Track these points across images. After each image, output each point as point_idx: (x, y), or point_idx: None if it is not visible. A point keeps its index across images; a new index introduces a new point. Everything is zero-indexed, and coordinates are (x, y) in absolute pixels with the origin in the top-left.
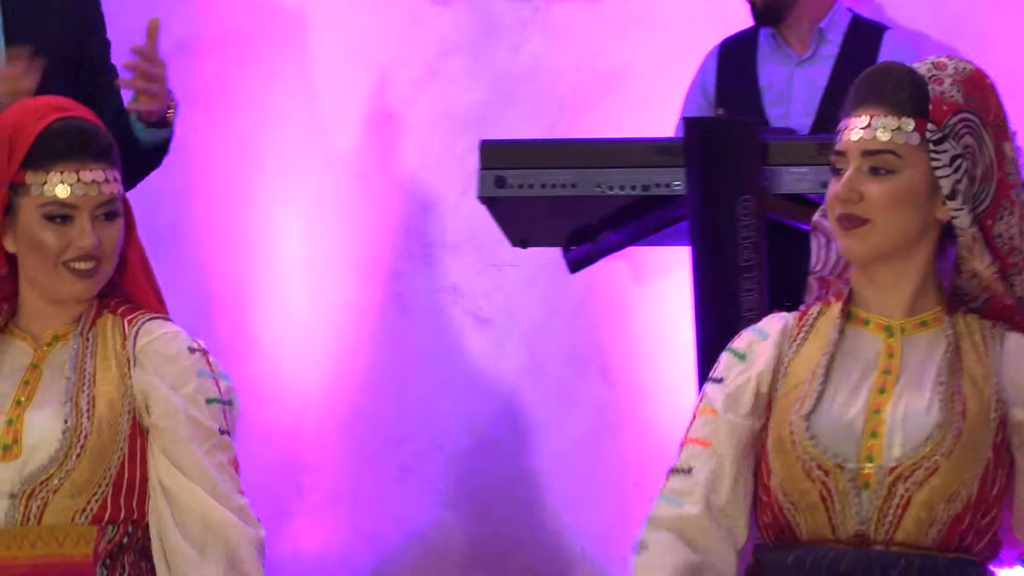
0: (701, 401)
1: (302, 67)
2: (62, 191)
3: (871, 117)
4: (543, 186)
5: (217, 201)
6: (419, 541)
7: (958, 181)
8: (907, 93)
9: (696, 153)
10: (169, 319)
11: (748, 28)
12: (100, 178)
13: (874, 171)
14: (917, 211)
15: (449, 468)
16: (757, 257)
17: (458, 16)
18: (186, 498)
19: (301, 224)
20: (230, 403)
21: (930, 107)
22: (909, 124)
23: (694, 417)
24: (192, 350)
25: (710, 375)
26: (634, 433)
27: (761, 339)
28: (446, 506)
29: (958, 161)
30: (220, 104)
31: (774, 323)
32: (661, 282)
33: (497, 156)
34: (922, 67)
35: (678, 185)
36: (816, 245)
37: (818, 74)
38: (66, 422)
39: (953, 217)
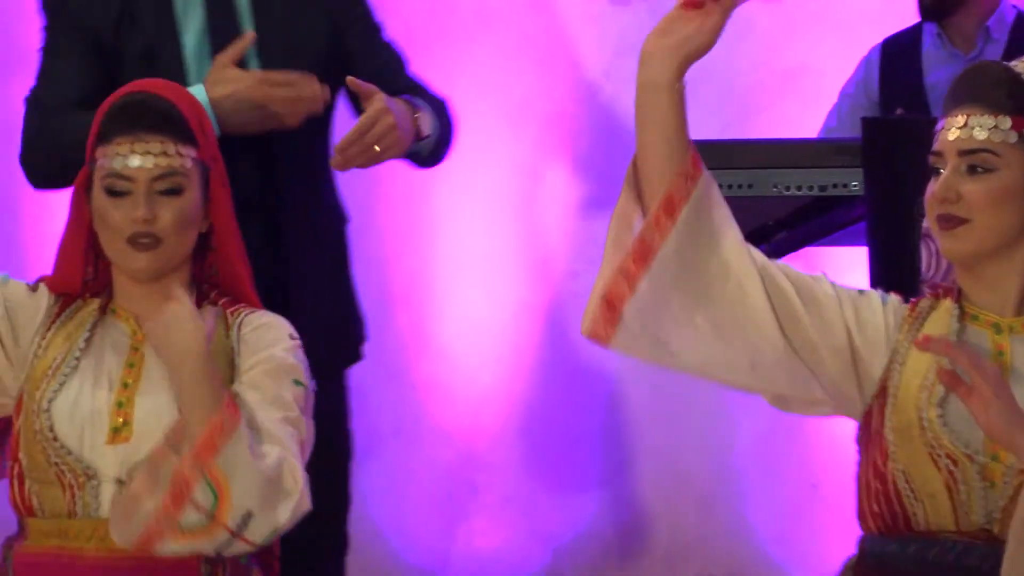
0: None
1: (482, 66)
2: (118, 163)
3: (967, 116)
4: (719, 186)
5: (398, 201)
6: (595, 539)
7: None
8: (1004, 91)
9: (874, 153)
10: (265, 311)
11: (909, 27)
12: (156, 150)
13: (972, 170)
14: (1016, 209)
15: (626, 467)
16: None
17: (637, 17)
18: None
19: (479, 223)
20: (308, 394)
21: None
22: (1006, 122)
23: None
24: (292, 337)
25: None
26: (812, 434)
27: (883, 303)
28: (621, 504)
29: None
30: None
31: (894, 303)
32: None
33: None
34: (1020, 65)
35: (856, 186)
36: (927, 253)
37: None
38: (180, 411)
39: None
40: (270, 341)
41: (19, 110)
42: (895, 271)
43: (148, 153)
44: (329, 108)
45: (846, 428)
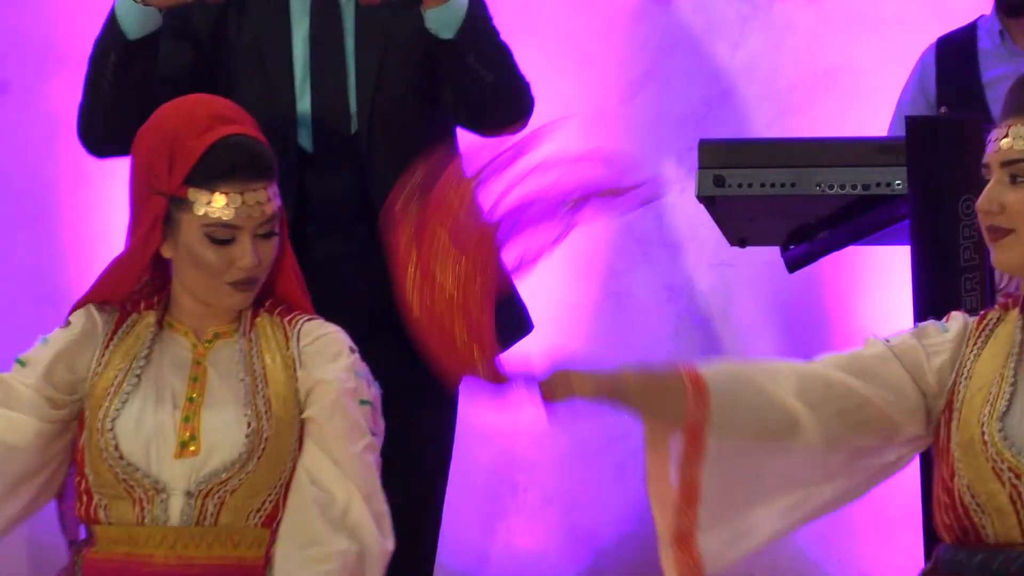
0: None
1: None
2: (226, 213)
3: (1009, 127)
4: (762, 185)
5: None
6: (635, 539)
7: None
8: None
9: (918, 151)
10: (322, 319)
11: (965, 26)
12: (263, 198)
13: (1013, 180)
14: None
15: None
16: (979, 257)
17: (679, 16)
18: (335, 488)
19: None
20: (374, 408)
21: None
22: None
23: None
24: (352, 350)
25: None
26: None
27: (942, 331)
28: None
29: None
30: None
31: (956, 321)
32: (881, 282)
33: (715, 155)
34: None
35: (899, 184)
36: None
37: None
38: (249, 425)
39: None
40: (332, 355)
41: (59, 111)
42: (939, 269)
43: (256, 203)
44: (423, 118)
45: None
